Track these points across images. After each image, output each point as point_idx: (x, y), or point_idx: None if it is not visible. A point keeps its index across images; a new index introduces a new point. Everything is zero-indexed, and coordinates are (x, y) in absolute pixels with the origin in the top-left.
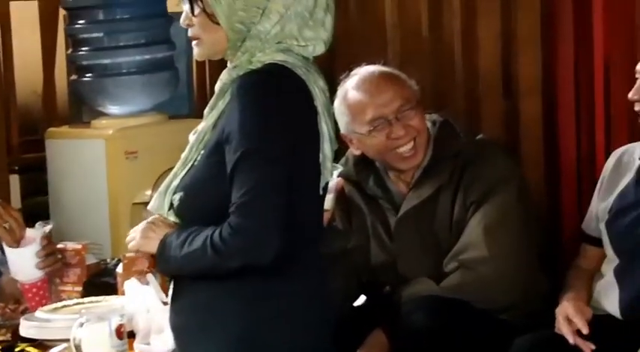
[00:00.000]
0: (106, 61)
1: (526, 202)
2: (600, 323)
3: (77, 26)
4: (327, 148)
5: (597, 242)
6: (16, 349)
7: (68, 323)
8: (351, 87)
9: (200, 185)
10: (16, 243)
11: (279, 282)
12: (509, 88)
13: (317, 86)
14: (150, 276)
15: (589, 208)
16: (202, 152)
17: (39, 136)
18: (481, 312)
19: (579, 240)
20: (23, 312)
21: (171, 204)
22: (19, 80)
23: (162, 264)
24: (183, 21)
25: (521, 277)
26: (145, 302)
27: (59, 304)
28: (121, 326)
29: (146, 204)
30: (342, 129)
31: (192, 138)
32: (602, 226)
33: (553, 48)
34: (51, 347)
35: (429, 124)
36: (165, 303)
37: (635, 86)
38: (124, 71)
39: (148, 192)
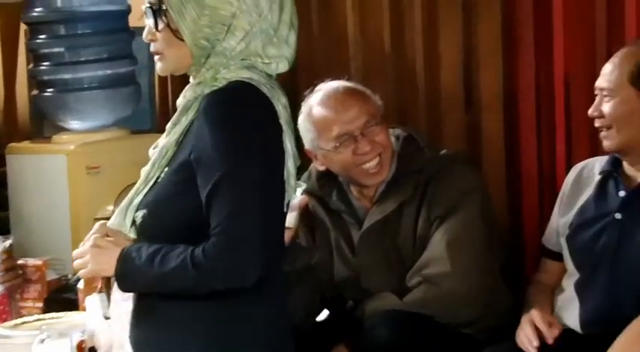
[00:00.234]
0: (68, 76)
1: (489, 217)
2: (561, 337)
3: (38, 41)
4: (290, 165)
5: (558, 256)
6: None
7: (29, 339)
8: (315, 103)
9: (164, 202)
10: None
11: (247, 303)
12: (470, 102)
13: (280, 103)
14: (102, 296)
15: (549, 223)
16: (166, 169)
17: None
18: (444, 327)
19: (540, 255)
20: None
21: (134, 222)
22: None
23: (127, 284)
24: (146, 36)
25: (484, 291)
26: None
27: (19, 320)
28: (82, 342)
29: (108, 219)
30: (307, 145)
31: (152, 153)
32: (563, 241)
33: (514, 63)
34: None
35: (392, 139)
36: (107, 318)
37: (595, 103)
38: (86, 86)
39: (110, 207)
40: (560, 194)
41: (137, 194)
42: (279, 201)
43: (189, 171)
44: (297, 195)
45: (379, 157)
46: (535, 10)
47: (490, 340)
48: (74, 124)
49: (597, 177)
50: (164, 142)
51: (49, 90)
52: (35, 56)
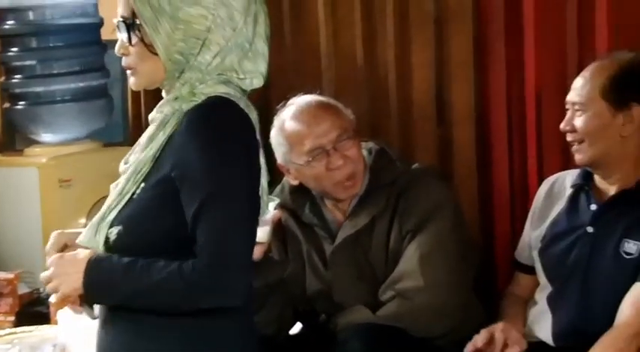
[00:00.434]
0: (40, 89)
1: (461, 230)
2: (533, 350)
3: (10, 54)
4: (264, 181)
5: (530, 270)
6: None
7: None
8: (288, 117)
9: (142, 218)
10: None
11: (220, 319)
12: (442, 115)
13: (253, 118)
14: (84, 308)
15: (521, 236)
16: (142, 185)
17: None
18: (417, 340)
19: (512, 268)
20: None
21: (106, 238)
22: None
23: (97, 295)
24: (118, 50)
25: (457, 305)
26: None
27: None
28: None
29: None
30: (279, 160)
31: (124, 168)
32: (535, 254)
33: (486, 76)
34: None
35: (364, 153)
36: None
37: (567, 117)
38: (58, 99)
39: (83, 221)
40: (532, 207)
41: (110, 210)
42: (255, 217)
43: (169, 188)
44: (270, 210)
45: (352, 171)
46: (506, 25)
47: None
48: (46, 137)
49: (569, 191)
50: (140, 157)
51: (21, 103)
52: (7, 69)
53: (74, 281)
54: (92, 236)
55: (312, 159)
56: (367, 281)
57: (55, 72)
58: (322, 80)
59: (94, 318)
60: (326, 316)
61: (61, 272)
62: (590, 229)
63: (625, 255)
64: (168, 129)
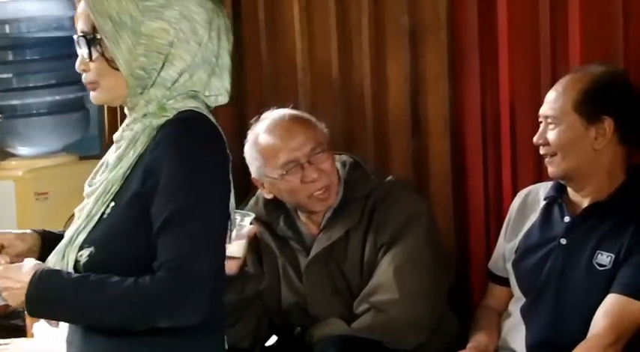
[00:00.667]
0: (16, 102)
1: (435, 242)
2: None
3: None
4: (232, 198)
5: (504, 281)
6: None
7: None
8: (262, 131)
9: (114, 237)
10: None
11: (189, 337)
12: (417, 127)
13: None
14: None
15: (496, 248)
16: (112, 204)
17: None
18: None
19: (487, 280)
20: None
21: (76, 261)
22: None
23: (40, 308)
24: (78, 66)
25: (432, 317)
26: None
27: None
28: None
29: None
30: (254, 174)
31: (89, 191)
32: (509, 266)
33: (460, 90)
34: None
35: (338, 165)
36: None
37: (540, 130)
38: (34, 112)
39: None
40: (506, 219)
41: (78, 233)
42: (225, 234)
43: (142, 204)
44: (246, 225)
45: (326, 184)
46: (480, 39)
47: None
48: (22, 150)
49: (542, 203)
50: (109, 177)
51: None
52: None
53: (19, 295)
54: (59, 260)
55: (286, 173)
56: (342, 293)
57: (31, 85)
58: (298, 94)
59: None
60: (301, 329)
61: (7, 286)
62: (563, 241)
63: (598, 267)
64: (139, 148)
